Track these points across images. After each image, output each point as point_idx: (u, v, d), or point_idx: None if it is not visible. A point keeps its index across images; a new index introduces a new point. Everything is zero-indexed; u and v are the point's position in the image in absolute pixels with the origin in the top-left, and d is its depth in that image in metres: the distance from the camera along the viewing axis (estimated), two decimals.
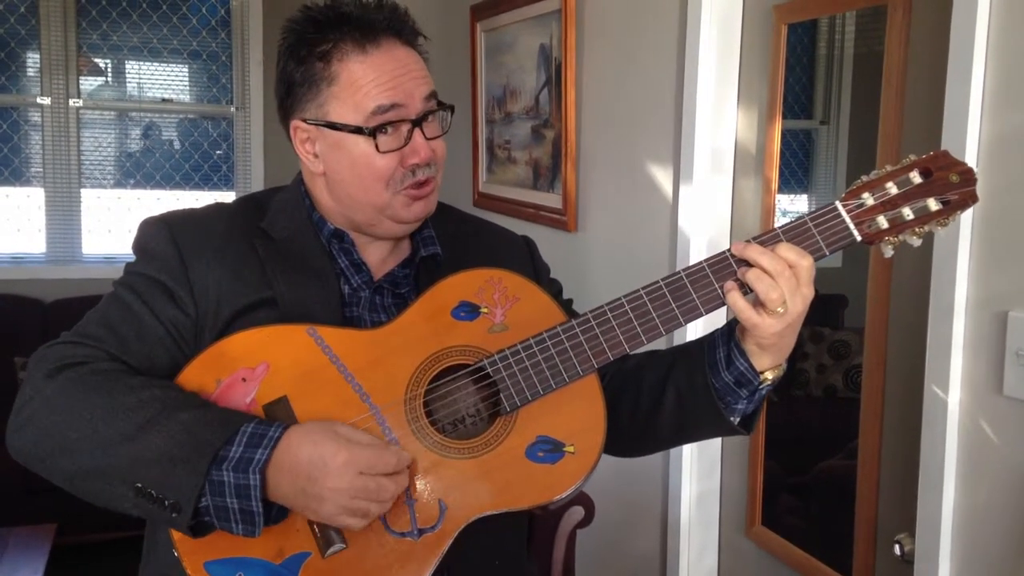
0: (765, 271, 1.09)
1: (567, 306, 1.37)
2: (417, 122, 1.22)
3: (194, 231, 1.25)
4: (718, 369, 1.19)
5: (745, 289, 1.12)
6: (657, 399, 1.26)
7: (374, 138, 1.20)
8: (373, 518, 1.12)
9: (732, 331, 1.19)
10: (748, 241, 1.12)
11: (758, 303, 1.11)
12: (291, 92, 1.26)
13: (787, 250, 1.09)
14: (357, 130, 1.21)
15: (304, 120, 1.25)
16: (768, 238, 1.12)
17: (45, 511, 2.97)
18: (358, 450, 1.09)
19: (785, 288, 1.09)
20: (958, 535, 1.48)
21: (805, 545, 1.96)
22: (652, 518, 2.37)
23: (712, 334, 1.23)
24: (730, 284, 1.12)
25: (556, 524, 2.30)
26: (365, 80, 1.21)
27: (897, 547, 1.61)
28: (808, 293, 1.11)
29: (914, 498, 1.54)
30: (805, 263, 1.09)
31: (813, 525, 2.04)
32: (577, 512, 2.31)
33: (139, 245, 1.26)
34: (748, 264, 1.11)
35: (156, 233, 1.25)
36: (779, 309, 1.09)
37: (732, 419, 1.22)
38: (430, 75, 1.27)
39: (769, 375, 1.17)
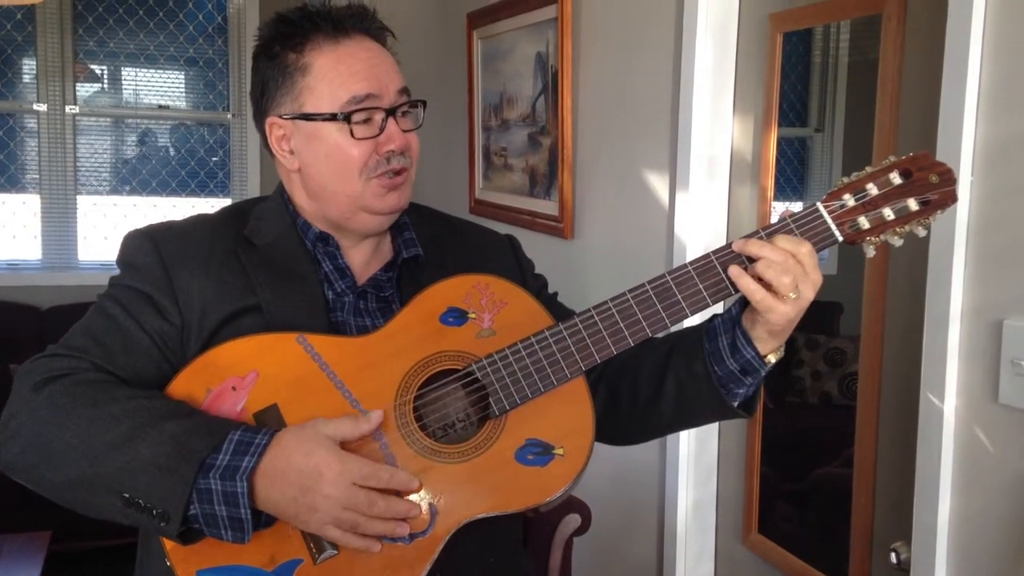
0: (772, 260, 1.10)
1: (553, 301, 1.39)
2: (391, 112, 1.24)
3: (177, 242, 1.26)
4: (721, 357, 1.19)
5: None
6: (656, 387, 1.26)
7: (348, 123, 1.22)
8: (357, 533, 1.11)
9: (735, 320, 1.19)
10: (744, 238, 1.13)
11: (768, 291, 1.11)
12: (266, 90, 1.27)
13: (783, 240, 1.11)
14: (332, 117, 1.22)
15: (280, 116, 1.26)
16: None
17: (39, 518, 2.95)
18: (352, 461, 1.10)
19: (795, 273, 1.10)
20: (954, 543, 1.47)
21: (801, 553, 1.95)
22: (648, 525, 2.36)
23: (710, 323, 1.23)
24: (736, 270, 1.12)
25: (553, 531, 2.29)
26: (339, 69, 1.23)
27: (893, 555, 1.60)
28: (816, 279, 1.12)
29: (910, 506, 1.54)
30: (804, 249, 1.10)
31: (809, 533, 2.04)
32: (574, 520, 2.30)
33: (123, 259, 1.27)
34: (737, 263, 1.12)
35: (139, 246, 1.25)
36: (792, 295, 1.10)
37: (733, 404, 1.22)
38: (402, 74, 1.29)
39: (772, 358, 1.19)
